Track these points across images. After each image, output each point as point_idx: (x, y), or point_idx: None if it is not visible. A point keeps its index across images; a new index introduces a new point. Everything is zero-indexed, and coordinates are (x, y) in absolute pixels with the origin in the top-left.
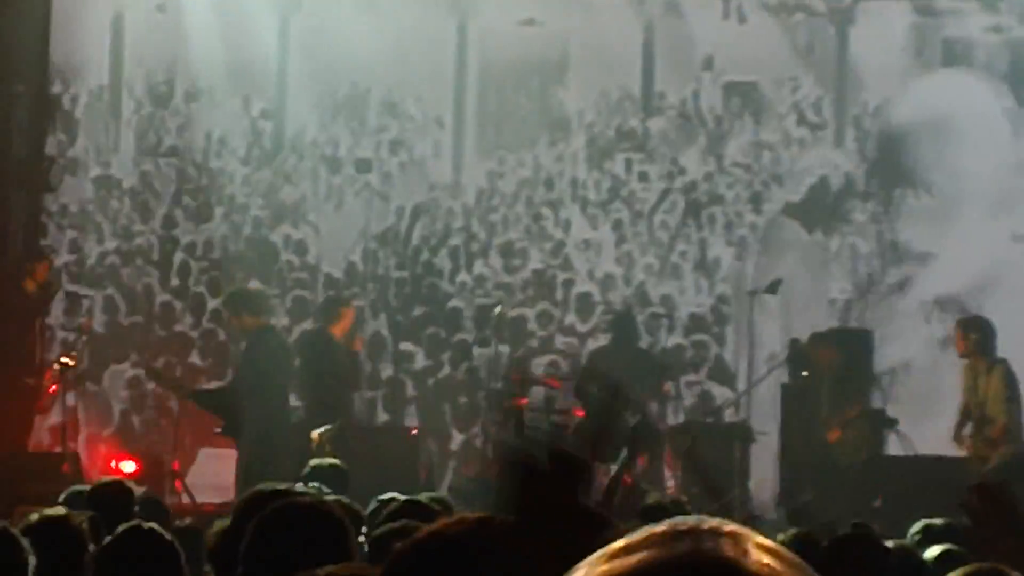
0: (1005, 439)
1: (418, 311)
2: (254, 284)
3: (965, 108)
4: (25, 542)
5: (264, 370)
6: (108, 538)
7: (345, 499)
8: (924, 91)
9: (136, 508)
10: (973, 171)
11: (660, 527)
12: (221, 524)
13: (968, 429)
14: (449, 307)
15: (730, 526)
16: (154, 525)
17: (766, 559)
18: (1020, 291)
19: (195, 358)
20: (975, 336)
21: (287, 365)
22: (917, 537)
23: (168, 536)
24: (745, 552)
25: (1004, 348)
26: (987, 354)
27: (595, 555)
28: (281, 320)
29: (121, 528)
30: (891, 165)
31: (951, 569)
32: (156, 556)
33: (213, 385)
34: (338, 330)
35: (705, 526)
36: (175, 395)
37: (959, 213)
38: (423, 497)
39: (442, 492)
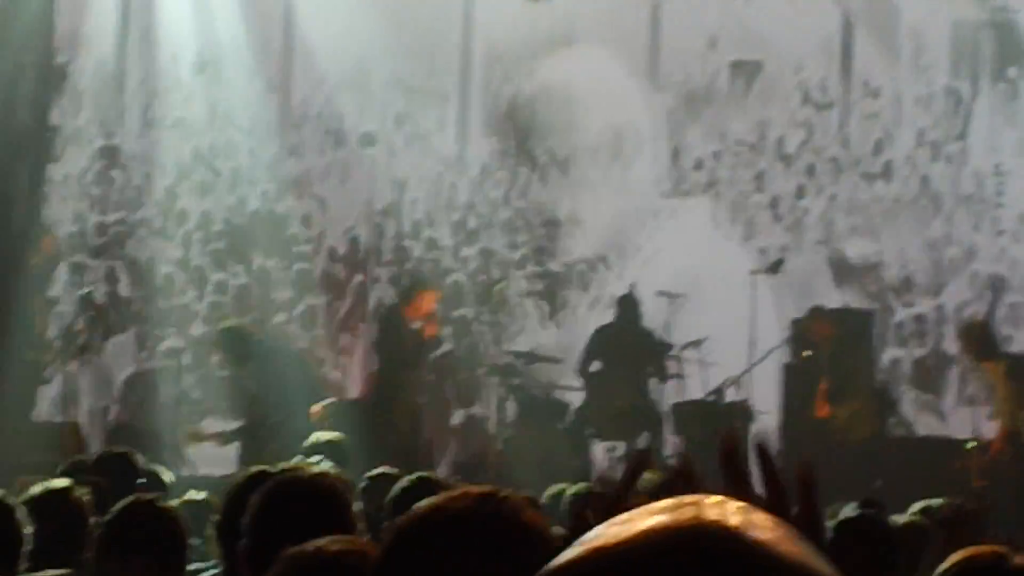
0: (1007, 443)
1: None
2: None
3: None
4: (22, 513)
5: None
6: (111, 512)
7: (343, 473)
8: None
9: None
10: (600, 136)
11: (664, 501)
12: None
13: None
14: (450, 282)
15: (734, 501)
16: (157, 498)
17: (770, 530)
18: (657, 252)
19: (197, 329)
20: (968, 346)
21: (293, 363)
22: (916, 518)
23: (172, 509)
24: (749, 523)
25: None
26: (992, 355)
27: (599, 526)
28: (285, 293)
29: (125, 501)
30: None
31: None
32: (160, 530)
33: (238, 423)
34: (411, 311)
35: (710, 499)
36: (216, 443)
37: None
38: (432, 474)
39: (444, 468)
